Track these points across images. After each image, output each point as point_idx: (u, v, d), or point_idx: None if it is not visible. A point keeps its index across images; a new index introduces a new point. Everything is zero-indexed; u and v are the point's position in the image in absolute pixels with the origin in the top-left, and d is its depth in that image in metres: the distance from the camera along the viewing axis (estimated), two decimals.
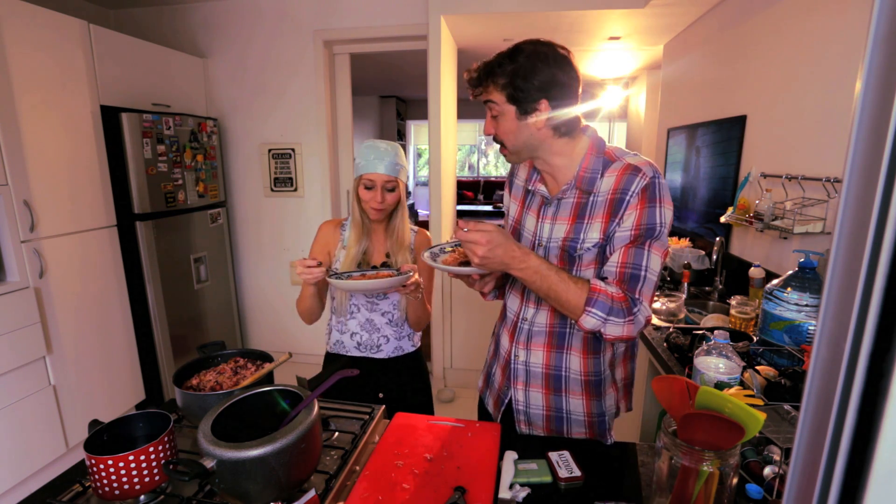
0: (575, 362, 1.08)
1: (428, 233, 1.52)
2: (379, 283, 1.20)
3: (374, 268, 1.39)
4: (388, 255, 1.43)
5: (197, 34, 3.14)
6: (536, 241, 1.09)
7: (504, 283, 1.22)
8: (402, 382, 1.47)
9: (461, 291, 3.02)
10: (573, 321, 0.99)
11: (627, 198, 0.96)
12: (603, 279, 0.98)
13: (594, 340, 1.07)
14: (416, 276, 1.26)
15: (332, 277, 1.25)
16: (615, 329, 0.94)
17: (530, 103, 0.96)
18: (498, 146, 1.07)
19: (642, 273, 0.95)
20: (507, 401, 1.18)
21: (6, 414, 1.92)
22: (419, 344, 1.53)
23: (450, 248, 1.14)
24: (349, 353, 1.45)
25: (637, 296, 0.95)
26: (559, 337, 1.09)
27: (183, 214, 2.79)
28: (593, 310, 0.93)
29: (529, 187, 1.12)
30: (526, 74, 0.95)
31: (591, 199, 1.00)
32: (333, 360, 1.46)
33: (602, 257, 1.01)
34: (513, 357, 1.14)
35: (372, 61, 4.38)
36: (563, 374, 1.09)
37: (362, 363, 1.43)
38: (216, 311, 3.13)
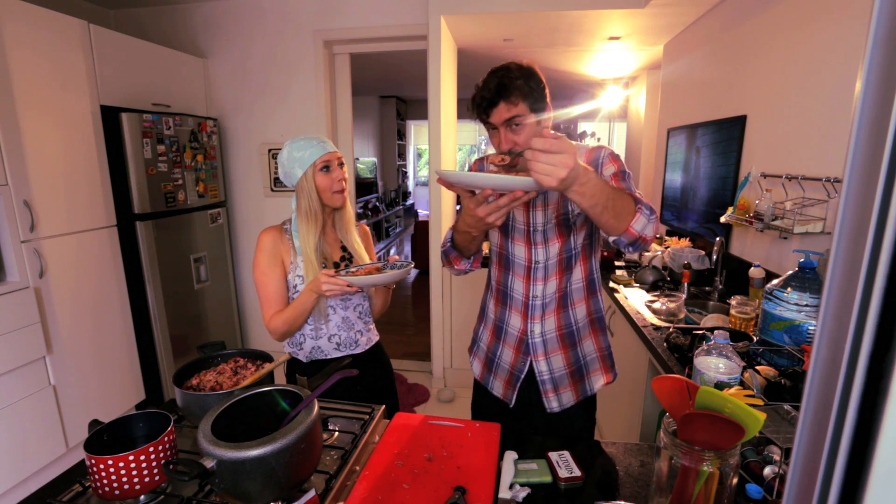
0: (580, 311, 1.24)
1: (366, 226, 1.53)
2: (396, 275, 1.24)
3: (337, 264, 1.38)
4: (343, 248, 1.42)
5: (197, 34, 3.14)
6: (532, 228, 1.20)
7: (474, 253, 1.24)
8: (371, 373, 1.46)
9: (461, 292, 3.02)
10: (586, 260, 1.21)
11: (600, 160, 1.15)
12: None
13: (590, 284, 1.24)
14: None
15: (345, 274, 1.22)
16: (650, 229, 1.01)
17: (542, 105, 1.09)
18: (501, 160, 1.10)
19: (635, 194, 1.07)
20: (521, 377, 1.26)
21: (6, 414, 1.92)
22: (377, 335, 1.54)
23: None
24: (329, 356, 1.39)
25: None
26: (564, 298, 1.23)
27: (183, 214, 2.79)
28: (643, 209, 1.00)
29: None
30: (537, 81, 1.08)
31: None
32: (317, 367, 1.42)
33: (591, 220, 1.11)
34: (529, 333, 1.24)
35: (372, 61, 4.37)
36: (574, 327, 1.25)
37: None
38: (216, 311, 3.13)
